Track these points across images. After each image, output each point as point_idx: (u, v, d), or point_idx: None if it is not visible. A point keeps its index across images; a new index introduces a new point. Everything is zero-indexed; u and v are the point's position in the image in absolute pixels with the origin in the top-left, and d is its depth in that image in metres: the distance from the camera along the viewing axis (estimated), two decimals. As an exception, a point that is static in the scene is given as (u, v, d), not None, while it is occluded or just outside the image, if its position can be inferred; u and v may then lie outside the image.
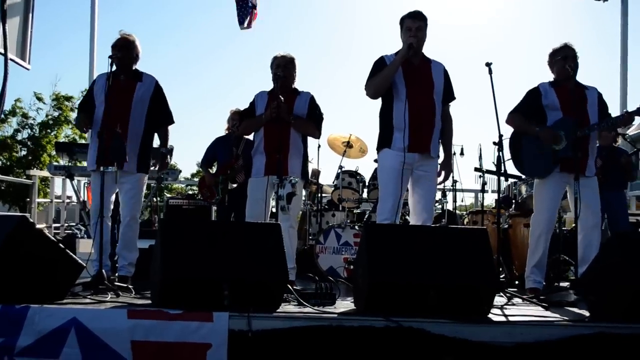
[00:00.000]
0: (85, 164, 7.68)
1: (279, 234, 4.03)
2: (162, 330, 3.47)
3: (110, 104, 4.85)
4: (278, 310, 3.83)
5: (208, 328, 3.48)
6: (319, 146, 7.35)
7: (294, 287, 4.36)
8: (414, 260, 3.88)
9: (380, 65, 4.96)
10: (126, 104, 5.03)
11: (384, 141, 4.99)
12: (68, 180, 7.70)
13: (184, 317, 3.50)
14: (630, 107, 8.71)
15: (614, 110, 5.35)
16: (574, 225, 6.89)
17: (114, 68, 4.89)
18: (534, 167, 5.15)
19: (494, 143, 4.99)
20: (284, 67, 5.19)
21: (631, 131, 8.95)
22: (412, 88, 4.88)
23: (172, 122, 5.36)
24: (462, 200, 8.82)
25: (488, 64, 4.94)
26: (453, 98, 5.13)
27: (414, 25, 4.88)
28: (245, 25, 9.41)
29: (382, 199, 5.00)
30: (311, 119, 5.29)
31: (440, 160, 5.13)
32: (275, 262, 3.90)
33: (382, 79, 4.88)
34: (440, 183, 5.27)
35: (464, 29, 70.23)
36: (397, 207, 4.89)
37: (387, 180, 4.96)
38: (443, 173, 5.16)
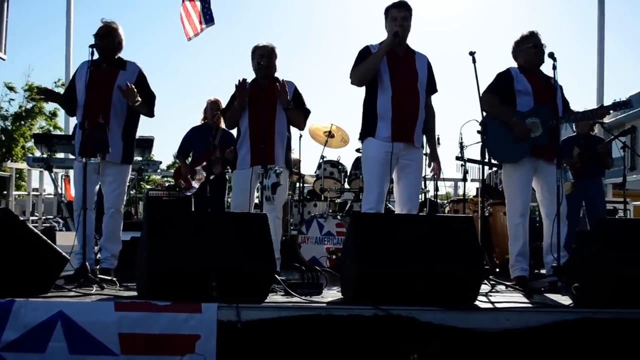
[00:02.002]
0: (62, 155, 7.62)
1: (266, 224, 4.02)
2: (150, 322, 3.45)
3: (91, 93, 4.79)
4: (266, 301, 3.83)
5: (197, 319, 3.46)
6: (301, 136, 7.32)
7: (280, 277, 4.35)
8: (401, 248, 3.90)
9: (365, 54, 4.96)
10: (108, 93, 4.94)
11: (367, 130, 4.99)
12: (45, 173, 7.59)
13: (172, 309, 3.48)
14: (607, 95, 8.92)
15: (591, 98, 5.43)
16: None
17: (96, 56, 4.81)
18: (504, 152, 5.09)
19: (478, 132, 5.01)
20: (267, 57, 5.18)
21: (607, 119, 9.03)
22: (396, 78, 4.90)
23: (150, 115, 5.24)
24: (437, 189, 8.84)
25: (472, 53, 4.94)
26: (435, 90, 5.16)
27: (400, 14, 4.90)
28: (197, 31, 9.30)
29: (367, 188, 5.02)
30: (299, 109, 5.29)
31: (425, 153, 5.16)
32: (263, 252, 3.90)
33: (367, 67, 4.88)
34: (436, 177, 5.30)
35: (441, 21, 70.48)
36: (382, 196, 4.92)
37: (371, 170, 4.97)
38: (433, 165, 5.21)
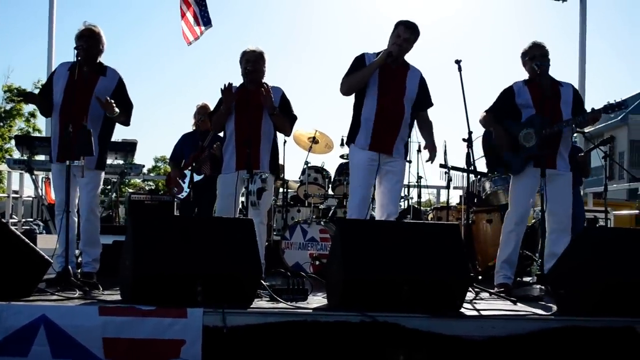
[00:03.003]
0: (43, 157, 7.52)
1: (252, 229, 4.01)
2: (134, 327, 3.43)
3: (69, 96, 4.75)
4: (251, 306, 3.81)
5: (182, 324, 3.45)
6: (285, 141, 7.29)
7: (265, 283, 4.33)
8: (388, 255, 3.90)
9: (360, 62, 5.05)
10: (86, 98, 4.87)
11: (350, 137, 5.13)
12: (25, 175, 7.48)
13: (157, 314, 3.46)
14: (588, 104, 8.97)
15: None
16: (534, 220, 7.02)
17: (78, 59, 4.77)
18: (507, 164, 5.16)
19: (464, 140, 5.04)
20: (253, 62, 5.18)
21: (588, 128, 9.11)
22: (383, 90, 4.98)
23: (126, 124, 5.20)
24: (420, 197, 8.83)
25: (457, 62, 5.00)
26: (430, 105, 5.25)
27: (405, 35, 4.98)
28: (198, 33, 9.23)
29: (350, 194, 5.18)
30: (285, 115, 5.30)
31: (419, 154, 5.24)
32: (249, 257, 3.88)
33: (357, 80, 5.00)
34: (429, 160, 5.31)
35: (425, 28, 70.63)
36: (364, 202, 5.00)
37: (355, 177, 5.12)
38: (428, 147, 5.28)
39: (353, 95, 5.11)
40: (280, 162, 7.19)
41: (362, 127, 5.00)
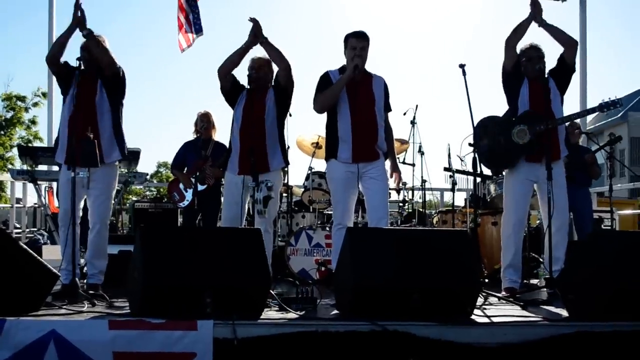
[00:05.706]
0: (46, 167, 7.50)
1: (260, 239, 3.99)
2: (144, 341, 3.41)
3: (78, 104, 4.73)
4: (262, 317, 3.79)
5: (192, 337, 3.43)
6: (288, 147, 7.27)
7: (274, 292, 4.32)
8: (398, 263, 3.89)
9: (325, 80, 5.15)
10: (91, 97, 4.86)
11: (330, 152, 5.18)
12: (28, 184, 7.44)
13: (167, 327, 3.45)
14: (588, 103, 8.96)
15: (574, 105, 5.41)
16: (538, 222, 7.01)
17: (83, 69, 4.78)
18: (498, 159, 5.15)
19: (470, 144, 5.02)
20: (257, 69, 5.17)
21: (589, 126, 9.06)
22: (354, 102, 5.05)
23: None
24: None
25: (462, 66, 4.98)
26: (389, 110, 5.31)
27: (359, 44, 5.05)
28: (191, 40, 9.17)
29: (334, 207, 5.25)
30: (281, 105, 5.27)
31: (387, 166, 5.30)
32: (258, 268, 3.86)
33: (328, 97, 5.07)
34: (397, 188, 5.36)
35: (427, 32, 70.73)
36: (348, 213, 5.11)
37: (335, 190, 5.18)
38: (395, 176, 5.36)
39: (325, 113, 5.20)
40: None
41: (341, 141, 5.06)
